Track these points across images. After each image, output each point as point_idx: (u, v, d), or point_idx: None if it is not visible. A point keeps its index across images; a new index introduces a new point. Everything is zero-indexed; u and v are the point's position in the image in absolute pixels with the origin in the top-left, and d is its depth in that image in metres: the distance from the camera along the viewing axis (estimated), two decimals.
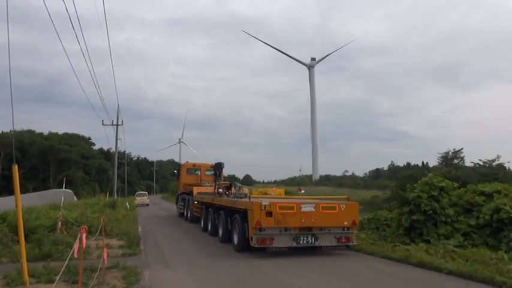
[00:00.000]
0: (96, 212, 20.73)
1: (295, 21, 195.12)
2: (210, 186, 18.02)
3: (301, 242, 9.83)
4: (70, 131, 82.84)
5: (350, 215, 10.15)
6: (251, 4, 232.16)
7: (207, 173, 21.62)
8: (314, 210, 9.84)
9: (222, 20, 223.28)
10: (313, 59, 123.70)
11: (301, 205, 9.86)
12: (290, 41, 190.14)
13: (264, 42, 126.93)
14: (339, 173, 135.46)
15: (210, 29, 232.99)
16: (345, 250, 10.82)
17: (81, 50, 14.16)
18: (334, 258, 9.83)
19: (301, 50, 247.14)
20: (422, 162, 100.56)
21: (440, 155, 78.15)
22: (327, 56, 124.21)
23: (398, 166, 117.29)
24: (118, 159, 46.58)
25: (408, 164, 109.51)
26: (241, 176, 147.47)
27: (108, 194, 41.77)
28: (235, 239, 10.94)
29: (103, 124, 37.94)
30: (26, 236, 11.16)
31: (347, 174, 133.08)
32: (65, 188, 38.57)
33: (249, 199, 10.87)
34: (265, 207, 9.49)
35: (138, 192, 48.64)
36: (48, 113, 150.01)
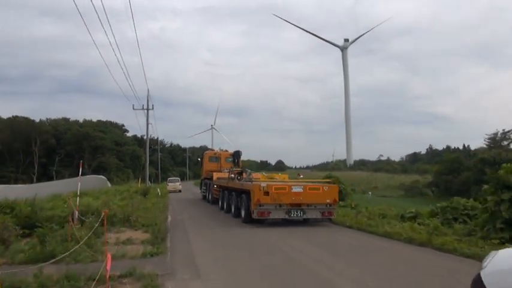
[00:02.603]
0: (124, 199, 19.37)
1: (327, 3, 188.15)
2: (228, 172, 19.17)
3: (292, 215, 12.11)
4: (104, 119, 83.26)
5: (331, 194, 12.44)
6: None
7: (226, 160, 23.12)
8: (302, 190, 12.13)
9: (253, 5, 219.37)
10: (346, 40, 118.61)
11: (292, 186, 12.24)
12: (322, 24, 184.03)
13: (296, 25, 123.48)
14: (373, 158, 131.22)
15: (241, 15, 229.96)
16: (425, 248, 8.71)
17: (109, 41, 12.66)
18: (410, 259, 7.50)
19: (334, 34, 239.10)
20: (464, 145, 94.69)
21: (487, 137, 72.28)
22: (361, 36, 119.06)
23: (437, 150, 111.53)
24: (151, 146, 45.62)
25: (448, 147, 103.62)
26: (273, 162, 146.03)
27: (140, 180, 40.70)
28: (243, 214, 13.21)
29: (134, 109, 36.96)
30: (34, 229, 9.61)
31: (382, 158, 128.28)
32: (96, 174, 38.07)
33: (252, 182, 13.20)
34: (263, 188, 11.87)
35: (170, 178, 44.88)
36: (84, 102, 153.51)
